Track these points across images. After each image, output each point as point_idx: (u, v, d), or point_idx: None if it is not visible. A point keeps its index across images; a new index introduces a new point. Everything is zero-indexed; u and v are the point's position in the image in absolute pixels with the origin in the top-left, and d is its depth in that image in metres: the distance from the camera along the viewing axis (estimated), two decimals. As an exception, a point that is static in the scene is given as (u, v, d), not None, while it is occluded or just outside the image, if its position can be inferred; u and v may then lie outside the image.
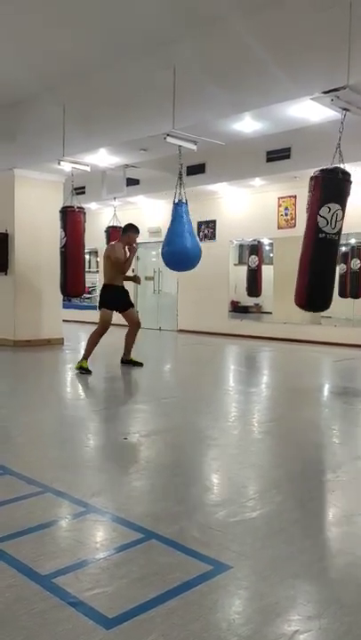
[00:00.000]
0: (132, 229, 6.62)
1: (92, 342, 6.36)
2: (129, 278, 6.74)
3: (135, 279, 6.80)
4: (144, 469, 3.17)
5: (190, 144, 6.66)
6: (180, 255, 6.31)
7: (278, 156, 8.83)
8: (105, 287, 6.52)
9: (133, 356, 6.88)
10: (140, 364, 6.82)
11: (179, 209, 6.42)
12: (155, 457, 3.43)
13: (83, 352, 6.52)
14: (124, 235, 6.62)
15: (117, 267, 6.42)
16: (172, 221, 6.48)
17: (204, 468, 3.26)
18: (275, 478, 3.07)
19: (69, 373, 6.71)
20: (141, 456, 3.43)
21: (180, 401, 5.15)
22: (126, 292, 6.67)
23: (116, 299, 6.48)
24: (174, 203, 6.46)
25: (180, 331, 12.09)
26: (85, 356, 6.32)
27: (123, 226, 9.71)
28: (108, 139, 7.19)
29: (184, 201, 6.44)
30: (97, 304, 6.71)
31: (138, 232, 6.63)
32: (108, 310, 6.39)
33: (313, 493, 2.85)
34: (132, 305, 6.70)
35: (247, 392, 5.64)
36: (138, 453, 3.49)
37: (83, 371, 6.21)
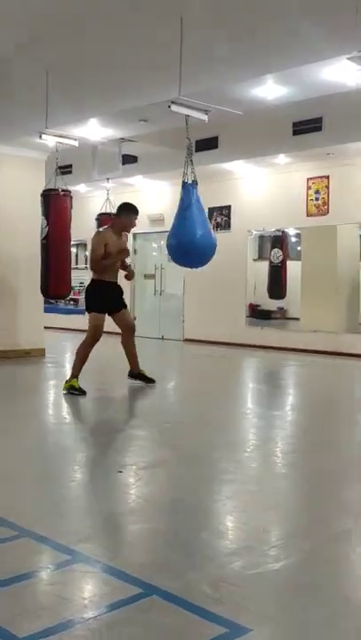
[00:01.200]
0: (128, 210, 6.42)
1: (82, 356, 6.18)
2: (125, 268, 6.56)
3: (130, 273, 6.59)
4: (143, 510, 3.17)
5: (200, 113, 6.68)
6: (190, 248, 6.20)
7: (307, 127, 8.84)
8: (93, 284, 6.31)
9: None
10: (153, 381, 6.64)
11: (189, 191, 6.37)
12: (156, 495, 3.42)
13: (70, 369, 6.40)
14: (118, 217, 6.43)
15: (108, 259, 6.21)
16: (180, 207, 6.42)
17: (216, 509, 3.26)
18: (303, 522, 3.06)
19: (53, 392, 6.71)
20: (140, 493, 3.43)
21: (188, 426, 5.14)
22: (120, 290, 6.48)
23: (107, 298, 6.29)
24: (183, 183, 6.41)
25: (187, 340, 12.10)
26: (74, 374, 6.17)
27: (114, 213, 9.82)
28: (101, 107, 7.23)
29: (194, 182, 6.40)
30: (84, 307, 6.43)
31: (137, 213, 6.45)
32: (99, 314, 6.19)
33: (349, 541, 2.84)
34: (125, 305, 6.52)
35: (269, 416, 5.63)
36: (135, 490, 3.48)
37: (74, 391, 6.06)
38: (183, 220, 6.25)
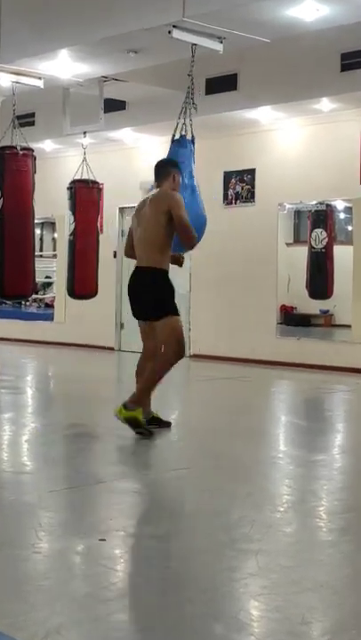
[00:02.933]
0: (177, 166, 6.25)
1: (159, 379, 5.99)
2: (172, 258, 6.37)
3: (179, 259, 6.44)
4: (134, 592, 3.16)
5: (213, 42, 6.71)
6: None
7: (361, 61, 8.86)
8: (163, 275, 6.07)
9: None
10: (168, 424, 6.39)
11: (181, 150, 6.40)
12: (152, 571, 3.41)
13: (134, 392, 5.98)
14: (165, 177, 6.16)
15: (173, 234, 5.98)
16: None
17: (235, 591, 3.25)
18: (357, 609, 3.05)
19: (8, 429, 6.71)
20: (129, 569, 3.42)
21: (196, 475, 5.13)
22: None
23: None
24: (174, 140, 6.42)
25: (195, 356, 12.09)
26: (140, 400, 5.92)
27: (94, 179, 9.86)
28: (75, 34, 7.25)
29: (190, 138, 6.43)
30: (158, 309, 6.04)
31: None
32: (179, 317, 6.06)
33: None
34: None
35: (309, 461, 5.63)
36: (123, 565, 3.48)
37: (139, 429, 5.84)
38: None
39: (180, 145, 6.47)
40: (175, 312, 6.06)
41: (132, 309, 6.26)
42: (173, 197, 5.97)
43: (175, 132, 6.47)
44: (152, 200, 6.10)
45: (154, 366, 6.06)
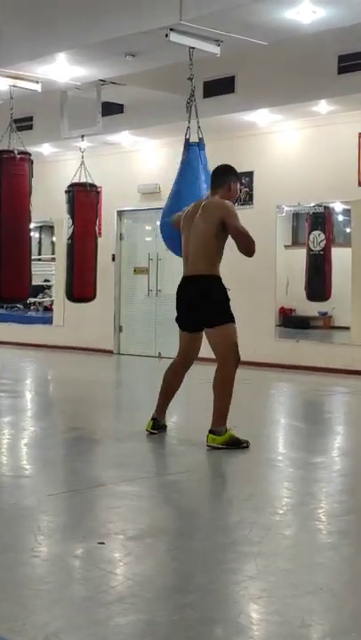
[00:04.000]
0: (237, 174, 6.18)
1: (230, 389, 5.94)
2: None
3: None
4: (133, 596, 3.16)
5: (210, 45, 6.71)
6: None
7: (359, 64, 8.86)
8: (219, 283, 6.07)
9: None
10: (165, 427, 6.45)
11: (193, 153, 6.41)
12: (152, 574, 3.41)
13: (213, 415, 5.86)
14: (220, 186, 6.05)
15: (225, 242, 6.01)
16: (180, 174, 6.44)
17: (235, 594, 3.24)
18: (357, 611, 3.05)
19: (7, 433, 6.70)
20: (129, 573, 3.41)
21: (196, 478, 5.13)
22: None
23: None
24: (187, 143, 6.42)
25: (194, 359, 12.08)
26: (225, 418, 5.82)
27: (92, 183, 9.87)
28: (71, 37, 7.25)
29: (200, 138, 6.44)
30: (216, 316, 6.03)
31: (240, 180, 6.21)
32: (235, 324, 6.04)
33: None
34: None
35: (309, 463, 5.63)
36: (123, 568, 3.47)
37: (236, 445, 5.75)
38: (185, 193, 6.28)
39: (200, 147, 6.48)
40: (232, 319, 6.04)
41: (183, 319, 6.17)
42: (225, 207, 5.88)
43: (186, 134, 6.44)
44: (204, 208, 5.95)
45: (219, 385, 5.99)
